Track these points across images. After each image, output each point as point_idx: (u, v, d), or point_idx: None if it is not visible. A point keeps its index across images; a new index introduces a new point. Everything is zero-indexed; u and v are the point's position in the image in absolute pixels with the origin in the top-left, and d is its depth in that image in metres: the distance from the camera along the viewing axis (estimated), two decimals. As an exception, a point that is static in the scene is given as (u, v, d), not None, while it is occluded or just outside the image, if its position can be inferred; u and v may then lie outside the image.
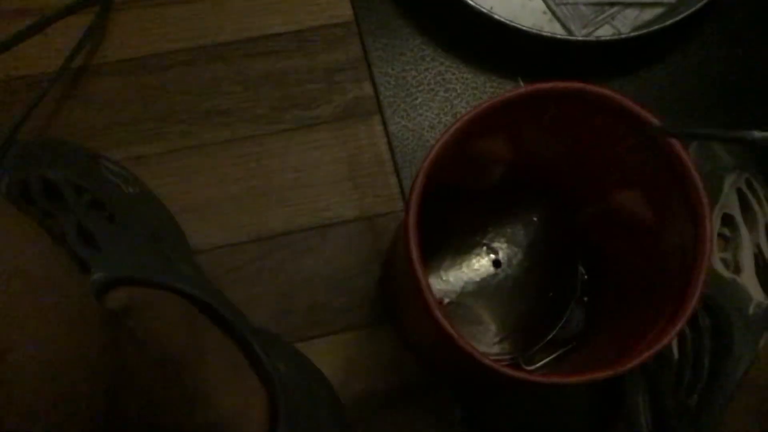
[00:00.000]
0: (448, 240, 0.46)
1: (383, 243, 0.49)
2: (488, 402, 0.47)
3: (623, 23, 0.52)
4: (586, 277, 0.47)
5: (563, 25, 0.52)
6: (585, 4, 0.53)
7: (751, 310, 0.41)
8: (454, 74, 0.52)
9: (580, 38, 0.51)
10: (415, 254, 0.33)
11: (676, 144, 0.35)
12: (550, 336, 0.45)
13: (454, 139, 0.35)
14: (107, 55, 0.50)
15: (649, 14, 0.52)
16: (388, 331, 0.47)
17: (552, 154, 0.42)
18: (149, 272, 0.38)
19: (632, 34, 0.50)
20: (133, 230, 0.41)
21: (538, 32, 0.49)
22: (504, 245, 0.45)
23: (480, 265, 0.45)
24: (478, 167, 0.44)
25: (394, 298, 0.45)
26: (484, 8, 0.49)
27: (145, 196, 0.46)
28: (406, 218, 0.34)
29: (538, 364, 0.46)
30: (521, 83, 0.51)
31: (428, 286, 0.32)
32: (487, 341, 0.45)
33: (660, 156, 0.35)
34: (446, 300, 0.44)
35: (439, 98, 0.51)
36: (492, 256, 0.45)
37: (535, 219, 0.46)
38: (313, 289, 0.48)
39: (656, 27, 0.49)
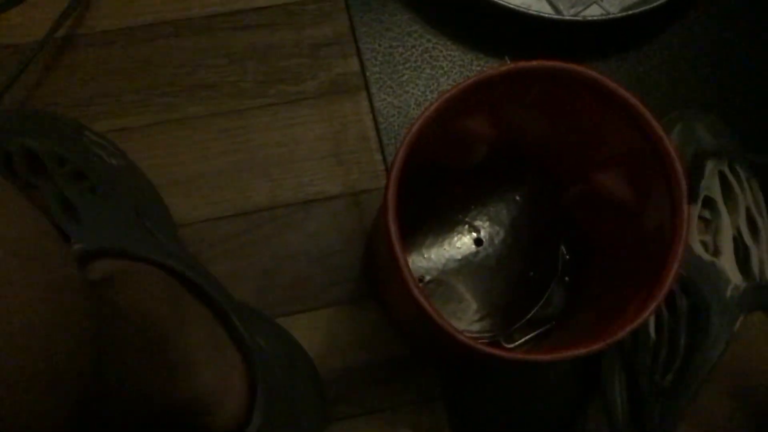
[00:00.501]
0: (431, 218, 0.46)
1: (367, 220, 0.49)
2: (468, 380, 0.47)
3: (611, 3, 0.52)
4: (567, 257, 0.47)
5: (551, 4, 0.52)
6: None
7: (728, 293, 0.41)
8: (441, 51, 0.51)
9: (567, 17, 0.51)
10: (393, 231, 0.33)
11: (658, 127, 0.35)
12: (530, 315, 0.46)
13: (437, 116, 0.35)
14: (92, 25, 0.50)
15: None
16: (371, 307, 0.48)
17: (535, 132, 0.42)
18: (130, 244, 0.38)
19: (620, 14, 0.50)
20: (116, 202, 0.41)
21: (526, 11, 0.49)
22: (486, 224, 0.45)
23: (462, 243, 0.45)
24: (462, 145, 0.44)
25: (376, 274, 0.45)
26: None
27: (129, 168, 0.46)
28: (386, 194, 0.34)
29: (518, 342, 0.46)
30: (508, 62, 0.51)
31: (406, 263, 0.32)
32: (467, 319, 0.45)
33: (642, 138, 0.36)
34: (427, 278, 0.45)
35: (425, 75, 0.51)
36: (474, 234, 0.45)
37: (518, 198, 0.46)
38: (297, 265, 0.48)
39: (645, 7, 0.49)
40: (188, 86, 0.49)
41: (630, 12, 0.50)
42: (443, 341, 0.35)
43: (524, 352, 0.41)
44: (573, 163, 0.42)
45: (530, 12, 0.49)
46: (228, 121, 0.49)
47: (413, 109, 0.50)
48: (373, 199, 0.49)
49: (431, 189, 0.46)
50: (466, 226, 0.45)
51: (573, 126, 0.39)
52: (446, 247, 0.45)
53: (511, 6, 0.49)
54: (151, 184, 0.47)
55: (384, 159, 0.49)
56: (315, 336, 0.47)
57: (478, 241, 0.45)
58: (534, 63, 0.36)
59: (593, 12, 0.52)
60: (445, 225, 0.46)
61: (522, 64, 0.35)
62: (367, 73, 0.50)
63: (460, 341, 0.32)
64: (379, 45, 0.51)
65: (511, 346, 0.46)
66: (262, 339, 0.41)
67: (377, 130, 0.50)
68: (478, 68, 0.51)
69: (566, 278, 0.47)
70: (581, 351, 0.33)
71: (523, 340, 0.46)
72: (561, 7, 0.51)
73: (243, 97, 0.49)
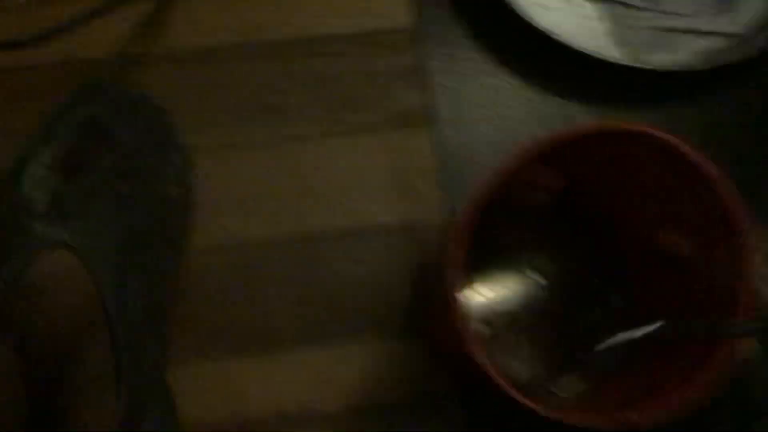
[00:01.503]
0: (489, 255, 0.46)
1: (421, 254, 0.49)
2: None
3: (689, 50, 0.51)
4: (621, 306, 0.46)
5: (625, 48, 0.51)
6: (649, 29, 0.51)
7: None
8: (512, 91, 0.51)
9: (639, 66, 0.50)
10: (454, 297, 0.33)
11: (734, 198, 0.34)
12: (580, 364, 0.45)
13: (510, 171, 0.35)
14: (165, 44, 0.51)
15: (718, 43, 0.51)
16: (417, 344, 0.47)
17: (601, 187, 0.41)
18: (99, 267, 0.39)
19: (701, 67, 0.49)
20: (127, 227, 0.42)
21: (596, 55, 0.49)
22: (547, 268, 0.45)
23: (520, 286, 0.45)
24: (527, 190, 0.44)
25: (427, 316, 0.45)
26: (546, 27, 0.49)
27: (180, 204, 0.46)
28: (447, 259, 0.33)
29: (566, 391, 0.45)
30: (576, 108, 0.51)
31: (471, 336, 0.32)
32: (519, 365, 0.44)
33: (716, 209, 0.35)
34: (482, 318, 0.44)
35: (493, 114, 0.51)
36: (535, 278, 0.45)
37: (575, 246, 0.45)
38: (344, 294, 0.48)
39: (723, 62, 0.48)
40: (256, 109, 0.50)
41: (706, 67, 0.49)
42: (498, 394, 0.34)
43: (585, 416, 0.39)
44: (636, 221, 0.42)
45: (601, 57, 0.49)
46: (293, 146, 0.50)
47: (477, 149, 0.50)
48: (429, 235, 0.49)
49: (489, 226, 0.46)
50: (527, 269, 0.45)
51: (644, 188, 0.39)
52: (503, 288, 0.45)
53: (584, 50, 0.49)
54: (183, 227, 0.47)
55: (444, 197, 0.49)
56: (363, 366, 0.47)
57: (538, 286, 0.45)
58: (617, 125, 0.35)
59: (667, 59, 0.51)
60: (503, 265, 0.45)
61: (606, 125, 0.35)
62: (435, 109, 0.50)
63: (522, 404, 0.32)
64: (450, 81, 0.51)
65: (564, 395, 0.45)
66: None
67: (440, 166, 0.50)
68: (550, 111, 0.51)
69: (616, 328, 0.46)
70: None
71: (574, 390, 0.45)
72: (634, 51, 0.51)
73: (308, 123, 0.50)
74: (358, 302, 0.48)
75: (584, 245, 0.45)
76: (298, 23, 0.52)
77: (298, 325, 0.47)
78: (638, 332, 0.39)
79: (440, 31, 0.52)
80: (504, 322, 0.45)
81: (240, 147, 0.49)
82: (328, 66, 0.51)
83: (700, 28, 0.52)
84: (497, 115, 0.51)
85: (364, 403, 0.46)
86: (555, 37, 0.49)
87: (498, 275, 0.45)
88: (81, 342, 0.40)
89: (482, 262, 0.45)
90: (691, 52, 0.50)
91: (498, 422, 0.46)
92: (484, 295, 0.45)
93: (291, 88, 0.51)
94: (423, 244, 0.49)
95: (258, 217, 0.48)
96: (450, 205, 0.49)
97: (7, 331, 0.40)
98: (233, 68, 0.51)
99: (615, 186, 0.40)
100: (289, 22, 0.52)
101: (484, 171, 0.49)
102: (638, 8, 0.53)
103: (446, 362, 0.46)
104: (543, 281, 0.45)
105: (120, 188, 0.43)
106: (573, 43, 0.49)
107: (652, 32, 0.51)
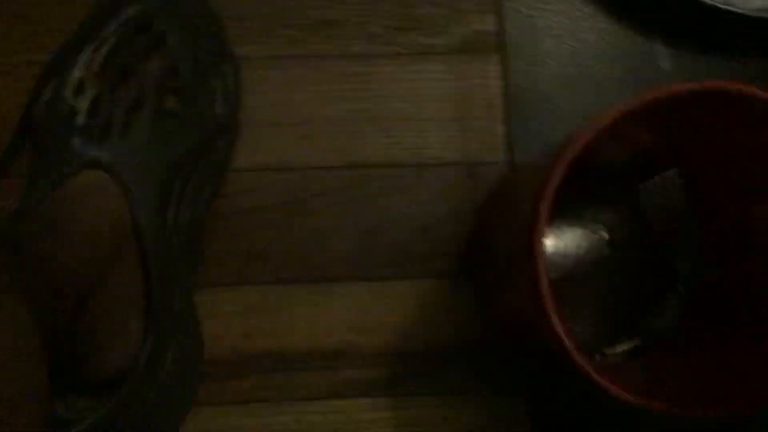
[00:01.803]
0: (559, 210, 0.43)
1: (480, 193, 0.46)
2: (555, 378, 0.45)
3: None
4: (686, 271, 0.44)
5: (719, -11, 0.47)
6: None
7: None
8: (587, 23, 0.47)
9: (730, 8, 0.46)
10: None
11: None
12: (639, 327, 0.43)
13: (604, 129, 0.32)
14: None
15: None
16: (467, 287, 0.45)
17: (694, 149, 0.38)
18: (138, 192, 0.37)
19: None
20: (171, 149, 0.39)
21: (690, -7, 0.45)
22: (617, 227, 0.42)
23: (590, 244, 0.42)
24: (611, 145, 0.40)
25: (484, 261, 0.42)
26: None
27: (223, 127, 0.43)
28: (537, 211, 0.31)
29: (617, 350, 0.44)
30: (661, 46, 0.47)
31: (557, 315, 0.30)
32: (577, 325, 0.43)
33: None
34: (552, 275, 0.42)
35: (566, 47, 0.47)
36: (605, 236, 0.42)
37: (649, 205, 0.43)
38: (399, 230, 0.45)
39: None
40: (316, 21, 0.46)
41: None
42: (547, 353, 0.32)
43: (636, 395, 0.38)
44: (728, 188, 0.39)
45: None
46: (352, 65, 0.46)
47: (547, 83, 0.46)
48: (489, 172, 0.46)
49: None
50: (592, 223, 0.42)
51: (740, 149, 0.36)
52: (565, 240, 0.42)
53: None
54: (226, 154, 0.44)
55: (507, 131, 0.46)
56: (407, 305, 0.45)
57: (609, 244, 0.42)
58: (717, 84, 0.32)
59: (763, 3, 0.47)
60: (568, 216, 0.43)
61: (715, 84, 0.31)
62: (505, 35, 0.47)
63: (575, 361, 0.30)
64: (522, 5, 0.47)
65: (611, 352, 0.44)
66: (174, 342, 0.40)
67: (505, 99, 0.46)
68: (623, 49, 0.47)
69: (681, 291, 0.44)
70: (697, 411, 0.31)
71: (621, 350, 0.44)
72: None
73: (371, 41, 0.46)
74: (409, 240, 0.45)
75: (658, 206, 0.43)
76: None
77: (346, 258, 0.45)
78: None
79: (516, -51, 0.47)
80: (561, 275, 0.43)
81: (294, 62, 0.46)
82: (395, -21, 0.47)
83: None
84: (570, 48, 0.47)
85: (404, 347, 0.45)
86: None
87: (562, 226, 0.43)
88: (109, 265, 0.37)
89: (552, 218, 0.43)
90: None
91: (536, 380, 0.45)
92: (553, 252, 0.42)
93: (353, 0, 0.46)
94: (482, 182, 0.46)
95: (309, 141, 0.45)
96: (512, 142, 0.46)
97: (25, 263, 0.37)
98: (291, -27, 0.46)
99: (709, 150, 0.37)
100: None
101: (557, 112, 0.47)
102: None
103: (493, 311, 0.44)
104: (606, 236, 0.43)
105: (167, 103, 0.39)
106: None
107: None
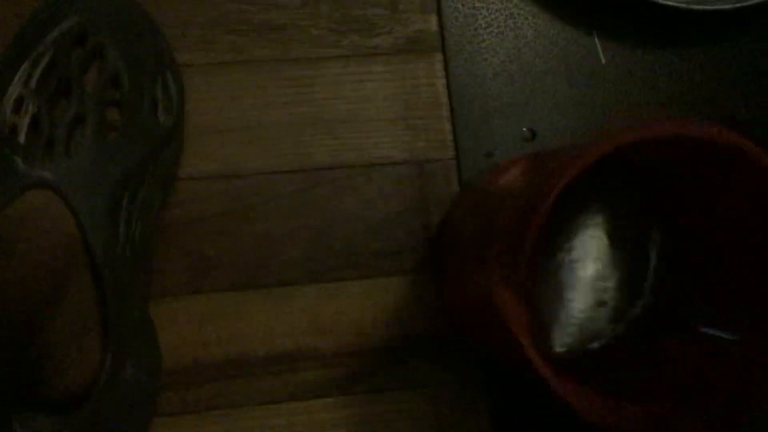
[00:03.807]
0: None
1: (430, 190, 0.46)
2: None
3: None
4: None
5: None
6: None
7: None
8: (527, 19, 0.48)
9: (662, 1, 0.47)
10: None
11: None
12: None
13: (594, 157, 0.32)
14: (155, -56, 0.46)
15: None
16: (424, 282, 0.46)
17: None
18: (86, 209, 0.37)
19: (731, 5, 0.47)
20: (110, 161, 0.39)
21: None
22: (584, 240, 0.43)
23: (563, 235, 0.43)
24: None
25: (448, 257, 0.43)
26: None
27: (169, 133, 0.42)
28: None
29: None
30: (597, 41, 0.48)
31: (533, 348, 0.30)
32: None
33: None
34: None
35: (507, 44, 0.48)
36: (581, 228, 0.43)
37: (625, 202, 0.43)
38: (352, 230, 0.46)
39: (753, 1, 0.46)
40: (257, 26, 0.46)
41: (726, 6, 0.47)
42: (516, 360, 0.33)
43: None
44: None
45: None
46: (295, 69, 0.46)
47: (490, 79, 0.47)
48: (438, 168, 0.47)
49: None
50: (574, 217, 0.43)
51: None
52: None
53: (608, -21, 0.46)
54: (173, 163, 0.44)
55: (453, 128, 0.47)
56: (364, 304, 0.45)
57: (585, 236, 0.43)
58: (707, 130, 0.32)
59: (690, -3, 0.48)
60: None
61: (691, 129, 0.32)
62: (446, 34, 0.47)
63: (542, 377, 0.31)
64: (462, 4, 0.47)
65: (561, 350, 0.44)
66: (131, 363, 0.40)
67: (450, 96, 0.47)
68: (563, 44, 0.48)
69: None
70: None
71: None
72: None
73: (314, 44, 0.46)
74: (361, 240, 0.46)
75: (633, 201, 0.43)
76: (298, -71, 0.47)
77: (299, 261, 0.45)
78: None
79: (454, -53, 0.48)
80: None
81: (237, 67, 0.45)
82: (334, -19, 0.47)
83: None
84: (511, 44, 0.48)
85: (362, 346, 0.45)
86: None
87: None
88: (60, 286, 0.37)
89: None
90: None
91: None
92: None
93: (293, 3, 0.46)
94: (432, 179, 0.46)
95: (257, 147, 0.45)
96: (458, 139, 0.47)
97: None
98: (229, -22, 0.46)
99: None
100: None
101: (501, 108, 0.47)
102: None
103: (454, 309, 0.45)
104: (580, 249, 0.43)
105: (109, 116, 0.39)
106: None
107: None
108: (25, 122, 0.37)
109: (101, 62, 0.39)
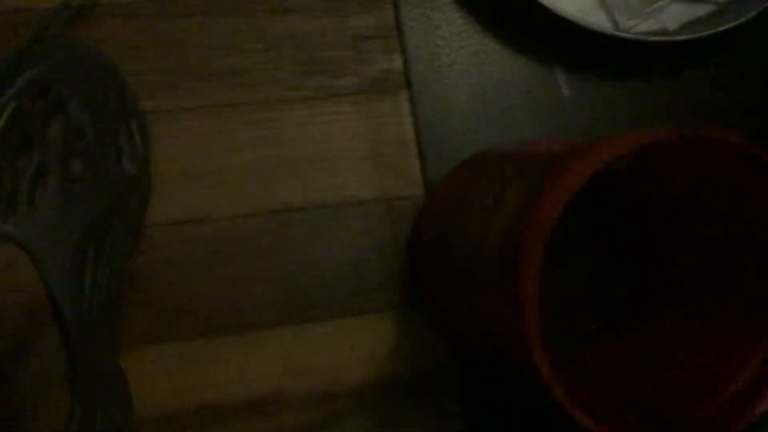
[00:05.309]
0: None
1: (401, 227, 0.46)
2: (490, 397, 0.46)
3: (670, 18, 0.50)
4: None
5: (609, 14, 0.49)
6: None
7: None
8: (489, 56, 0.49)
9: (620, 34, 0.48)
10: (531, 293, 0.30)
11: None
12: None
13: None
14: (117, -7, 0.46)
15: (698, 11, 0.50)
16: (398, 321, 0.46)
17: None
18: (51, 262, 0.36)
19: (676, 38, 0.48)
20: (75, 210, 0.38)
21: (579, 21, 0.47)
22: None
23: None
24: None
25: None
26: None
27: (134, 181, 0.42)
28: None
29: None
30: (559, 74, 0.49)
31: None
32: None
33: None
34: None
35: (471, 80, 0.48)
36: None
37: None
38: (323, 270, 0.46)
39: (706, 33, 0.47)
40: (221, 70, 0.46)
41: (684, 37, 0.48)
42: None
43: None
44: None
45: (583, 23, 0.47)
46: (261, 112, 0.46)
47: (456, 115, 0.48)
48: (408, 206, 0.47)
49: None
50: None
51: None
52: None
53: (565, 15, 0.46)
54: (140, 208, 0.43)
55: (421, 166, 0.47)
56: (338, 344, 0.45)
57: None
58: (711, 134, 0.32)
59: (650, 26, 0.49)
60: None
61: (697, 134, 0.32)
62: (411, 73, 0.47)
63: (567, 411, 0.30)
64: (426, 43, 0.48)
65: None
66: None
67: (417, 134, 0.47)
68: (526, 77, 0.49)
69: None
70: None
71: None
72: (618, 17, 0.49)
73: (278, 87, 0.46)
74: (333, 280, 0.46)
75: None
76: (261, -26, 0.47)
77: (272, 303, 0.44)
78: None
79: (415, -13, 0.49)
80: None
81: (203, 112, 0.45)
82: (297, 24, 0.47)
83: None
84: (475, 81, 0.48)
85: (337, 387, 0.45)
86: (538, 0, 0.46)
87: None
88: (27, 341, 0.36)
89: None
90: (676, 21, 0.49)
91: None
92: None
93: (256, 47, 0.46)
94: (400, 216, 0.47)
95: (225, 191, 0.45)
96: (426, 176, 0.47)
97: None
98: (192, 24, 0.46)
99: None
100: (251, -28, 0.47)
101: (467, 143, 0.48)
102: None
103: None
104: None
105: (73, 168, 0.39)
106: (556, 8, 0.46)
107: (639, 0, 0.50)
108: None
109: (64, 113, 0.39)
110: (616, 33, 0.48)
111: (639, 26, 0.49)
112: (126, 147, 0.41)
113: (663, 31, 0.49)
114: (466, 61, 0.48)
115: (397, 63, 0.48)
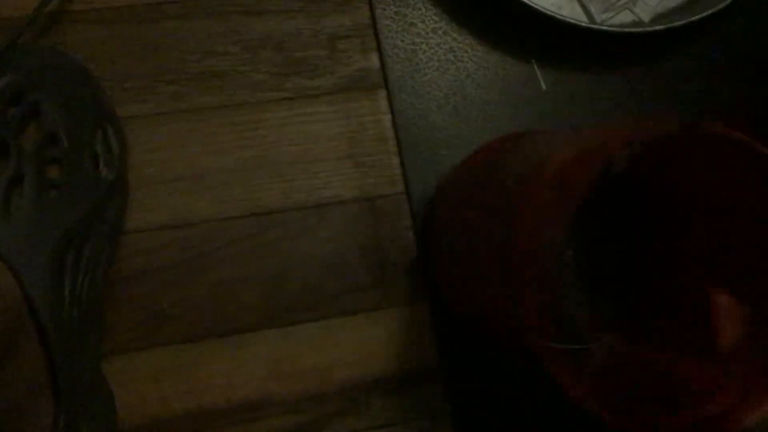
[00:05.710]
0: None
1: (383, 225, 0.46)
2: (478, 394, 0.46)
3: (644, 10, 0.50)
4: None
5: (583, 6, 0.49)
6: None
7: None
8: (466, 52, 0.49)
9: (595, 27, 0.48)
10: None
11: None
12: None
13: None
14: (89, 0, 0.45)
15: (672, 2, 0.50)
16: (383, 320, 0.46)
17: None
18: (29, 271, 0.36)
19: (649, 28, 0.48)
20: (56, 217, 0.38)
21: (555, 14, 0.47)
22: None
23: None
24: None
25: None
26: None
27: (112, 187, 0.42)
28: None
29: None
30: (536, 68, 0.49)
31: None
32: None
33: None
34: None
35: (449, 76, 0.48)
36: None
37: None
38: (307, 271, 0.45)
39: (680, 22, 0.47)
40: (197, 74, 0.46)
41: (658, 27, 0.48)
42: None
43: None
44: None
45: (558, 17, 0.47)
46: (239, 115, 0.46)
47: (434, 112, 0.48)
48: (389, 204, 0.47)
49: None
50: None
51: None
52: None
53: (540, 8, 0.47)
54: (122, 203, 0.43)
55: (402, 163, 0.47)
56: (324, 345, 0.45)
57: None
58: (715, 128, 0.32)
59: (624, 18, 0.50)
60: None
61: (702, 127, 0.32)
62: (388, 71, 0.47)
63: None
64: (402, 41, 0.48)
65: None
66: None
67: (396, 131, 0.47)
68: (504, 73, 0.49)
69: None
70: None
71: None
72: (593, 10, 0.49)
73: (256, 89, 0.46)
74: (317, 281, 0.45)
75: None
76: (235, -23, 0.47)
77: (256, 306, 0.44)
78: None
79: (390, -14, 0.49)
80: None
81: (180, 116, 0.45)
82: (273, 25, 0.47)
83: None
84: (452, 77, 0.48)
85: (324, 388, 0.45)
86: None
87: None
88: (9, 348, 0.36)
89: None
90: (650, 12, 0.49)
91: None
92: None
93: (233, 50, 0.46)
94: (382, 214, 0.46)
95: (205, 194, 0.45)
96: (407, 173, 0.47)
97: None
98: (167, 28, 0.46)
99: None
100: (226, -25, 0.47)
101: (447, 140, 0.48)
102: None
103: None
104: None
105: (49, 174, 0.38)
106: (531, 2, 0.46)
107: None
108: None
109: (39, 120, 0.39)
110: (591, 26, 0.48)
111: (613, 18, 0.49)
112: (102, 152, 0.41)
113: (637, 23, 0.49)
114: (443, 58, 0.48)
115: (374, 61, 0.48)
